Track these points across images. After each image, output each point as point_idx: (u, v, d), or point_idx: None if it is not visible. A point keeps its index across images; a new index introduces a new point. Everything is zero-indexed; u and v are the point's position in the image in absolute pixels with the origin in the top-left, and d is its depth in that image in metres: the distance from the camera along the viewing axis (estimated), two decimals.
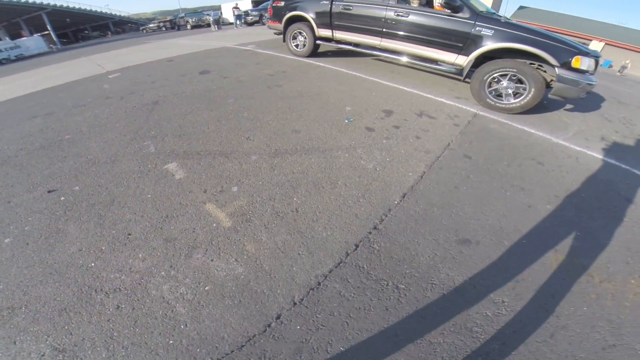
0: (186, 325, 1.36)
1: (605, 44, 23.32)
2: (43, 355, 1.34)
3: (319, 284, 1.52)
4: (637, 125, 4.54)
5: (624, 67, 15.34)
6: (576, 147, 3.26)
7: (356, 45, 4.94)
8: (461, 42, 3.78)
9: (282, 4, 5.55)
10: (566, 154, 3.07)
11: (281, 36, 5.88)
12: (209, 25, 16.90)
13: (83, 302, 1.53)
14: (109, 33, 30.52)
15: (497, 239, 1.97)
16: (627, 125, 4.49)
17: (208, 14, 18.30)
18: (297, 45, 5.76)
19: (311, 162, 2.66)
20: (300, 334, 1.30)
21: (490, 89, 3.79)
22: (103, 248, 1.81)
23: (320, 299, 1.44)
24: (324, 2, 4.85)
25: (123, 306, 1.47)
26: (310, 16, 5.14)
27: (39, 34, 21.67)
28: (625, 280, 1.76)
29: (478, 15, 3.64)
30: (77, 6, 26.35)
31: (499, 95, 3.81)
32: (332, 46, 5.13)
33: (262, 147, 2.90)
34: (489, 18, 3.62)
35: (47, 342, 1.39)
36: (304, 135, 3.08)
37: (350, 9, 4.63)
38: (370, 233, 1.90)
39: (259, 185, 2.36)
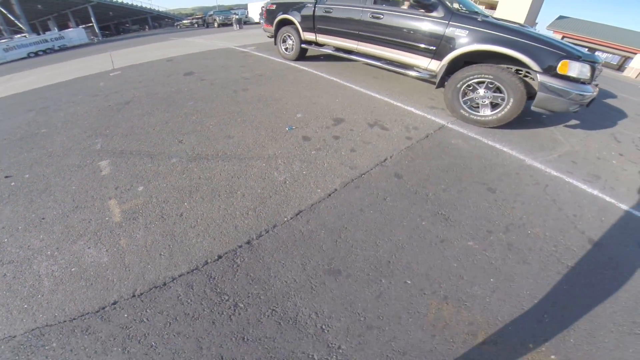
0: (42, 295, 1.60)
1: None
2: None
3: (164, 284, 1.60)
4: None
5: None
6: (554, 171, 2.74)
7: (337, 49, 4.72)
8: (434, 44, 3.39)
9: (275, 7, 5.55)
10: (534, 179, 2.57)
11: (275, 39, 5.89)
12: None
13: None
14: (147, 27, 33.12)
15: (375, 275, 1.71)
16: (639, 148, 3.67)
17: (235, 13, 19.04)
18: (286, 49, 5.75)
19: (223, 169, 2.60)
20: (126, 321, 1.44)
21: (465, 99, 3.34)
22: (19, 228, 2.08)
23: (158, 297, 1.54)
24: (309, 5, 4.76)
25: (7, 274, 1.74)
26: (296, 19, 5.10)
27: (83, 26, 23.88)
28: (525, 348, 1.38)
29: (453, 14, 3.24)
30: (119, 0, 28.90)
31: (475, 106, 3.33)
32: (320, 50, 4.98)
33: (186, 151, 2.90)
34: (465, 17, 3.20)
35: None
36: (234, 142, 3.02)
37: (331, 12, 4.46)
38: (240, 247, 1.83)
39: (162, 187, 2.40)
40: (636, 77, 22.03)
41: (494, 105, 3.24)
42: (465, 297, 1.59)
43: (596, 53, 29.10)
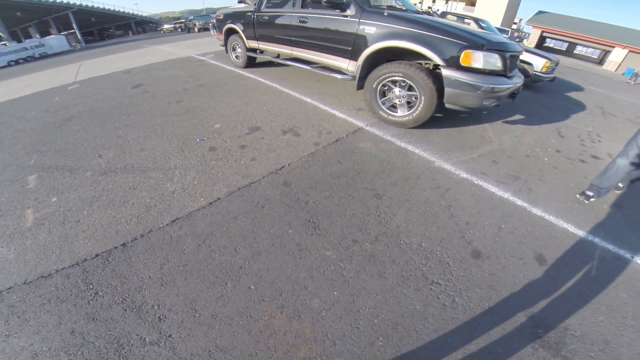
0: None
1: (630, 51, 22.16)
2: None
3: (49, 275, 1.85)
4: (601, 144, 3.54)
5: (637, 75, 15.23)
6: (464, 173, 2.68)
7: (278, 56, 4.72)
8: (349, 44, 3.37)
9: (222, 17, 5.62)
10: (435, 183, 2.51)
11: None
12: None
13: None
14: (130, 32, 33.33)
15: (223, 278, 1.77)
16: (584, 144, 3.54)
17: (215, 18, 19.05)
18: (237, 57, 5.83)
19: (125, 181, 2.70)
20: (14, 301, 1.70)
21: (383, 99, 3.27)
22: None
23: (42, 284, 1.79)
24: (249, 14, 4.80)
25: None
26: (239, 28, 5.13)
27: (65, 33, 23.97)
28: None
29: (363, 11, 3.18)
30: (100, 6, 29.36)
31: (394, 106, 3.25)
32: (270, 57, 5.03)
33: (101, 165, 3.01)
34: (373, 12, 3.15)
35: None
36: (145, 155, 3.12)
37: (266, 19, 4.47)
38: (115, 248, 2.01)
39: (71, 198, 2.56)
40: (615, 70, 21.97)
41: (411, 105, 3.15)
42: (302, 309, 1.59)
43: (577, 47, 28.75)
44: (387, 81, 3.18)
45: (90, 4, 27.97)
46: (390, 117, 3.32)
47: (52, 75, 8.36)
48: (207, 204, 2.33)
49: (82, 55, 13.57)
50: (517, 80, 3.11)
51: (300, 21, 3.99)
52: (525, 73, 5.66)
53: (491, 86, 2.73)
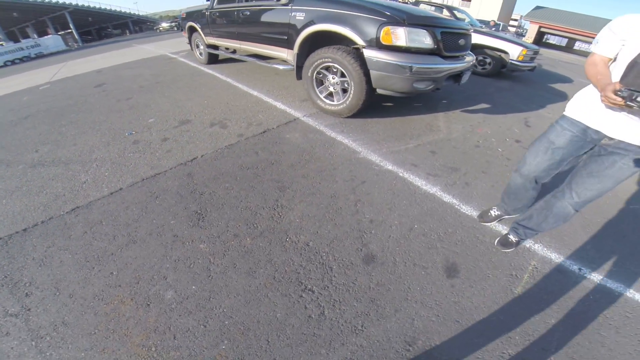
0: None
1: None
2: None
3: None
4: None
5: None
6: (389, 165, 2.57)
7: (234, 51, 4.68)
8: (284, 33, 3.26)
9: (185, 15, 5.66)
10: (352, 175, 2.40)
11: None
12: None
13: None
14: (127, 32, 33.89)
15: (92, 263, 1.76)
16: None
17: None
18: (200, 54, 5.88)
19: (47, 173, 2.76)
20: None
21: (321, 87, 3.12)
22: None
23: None
24: (204, 11, 4.80)
25: None
26: (198, 26, 5.13)
27: (62, 32, 24.38)
28: None
29: None
30: (97, 6, 29.90)
31: (330, 94, 3.11)
32: (226, 55, 5.12)
33: (34, 159, 3.09)
34: None
35: None
36: (75, 149, 3.18)
37: (217, 14, 4.45)
38: (17, 232, 2.07)
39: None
40: None
41: (344, 92, 2.99)
42: (153, 299, 1.57)
43: (576, 43, 27.84)
44: (321, 68, 3.06)
45: (86, 4, 28.79)
46: (327, 107, 3.19)
47: (32, 76, 8.63)
48: (108, 194, 2.36)
49: (73, 55, 13.99)
50: (461, 62, 2.91)
51: (243, 14, 3.94)
52: (501, 62, 5.41)
53: (420, 66, 2.56)
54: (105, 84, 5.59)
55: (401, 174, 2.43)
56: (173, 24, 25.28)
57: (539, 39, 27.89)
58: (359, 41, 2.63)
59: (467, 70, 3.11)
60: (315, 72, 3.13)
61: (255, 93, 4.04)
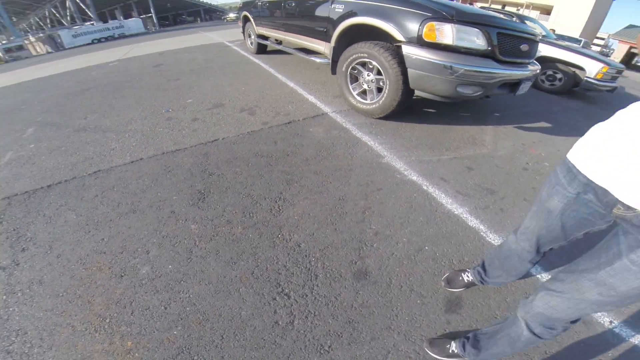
0: None
1: None
2: None
3: None
4: None
5: None
6: (414, 175, 2.39)
7: (280, 42, 4.78)
8: (323, 25, 3.18)
9: (242, 5, 5.95)
10: (369, 179, 2.28)
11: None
12: None
13: None
14: (199, 19, 36.59)
15: (89, 228, 1.86)
16: None
17: None
18: (251, 43, 6.07)
19: (87, 138, 3.03)
20: None
21: (355, 84, 2.99)
22: None
23: None
24: (257, 1, 4.95)
25: None
26: (250, 15, 5.32)
27: (143, 16, 26.99)
28: None
29: None
30: None
31: (364, 92, 2.97)
32: (274, 46, 5.21)
33: (81, 124, 3.44)
34: None
35: None
36: (117, 119, 3.45)
37: (267, 5, 4.58)
38: (41, 188, 2.28)
39: (43, 147, 2.98)
40: None
41: (379, 91, 2.82)
42: (129, 271, 1.56)
43: None
44: (357, 64, 2.90)
45: None
46: (359, 105, 3.02)
47: (108, 54, 9.76)
48: (129, 162, 2.49)
49: (148, 37, 15.65)
50: (520, 70, 2.54)
51: (288, 5, 3.96)
52: (574, 79, 4.70)
53: (467, 68, 2.26)
54: (162, 65, 6.05)
55: (425, 187, 2.16)
56: (238, 15, 26.97)
57: (628, 61, 24.27)
58: (398, 36, 2.41)
59: (527, 80, 2.70)
60: (350, 67, 2.98)
61: (291, 84, 4.02)
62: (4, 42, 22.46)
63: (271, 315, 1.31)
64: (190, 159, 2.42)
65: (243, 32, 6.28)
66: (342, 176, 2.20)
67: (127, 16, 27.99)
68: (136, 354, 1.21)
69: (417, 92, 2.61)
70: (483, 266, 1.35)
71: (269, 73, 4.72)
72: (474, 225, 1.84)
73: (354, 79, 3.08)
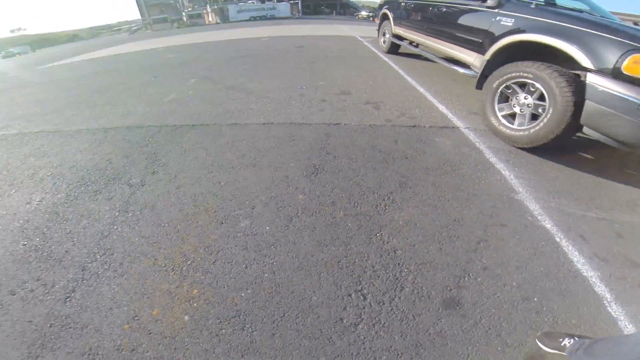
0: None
1: None
2: None
3: (142, 127, 2.95)
4: None
5: None
6: (549, 223, 2.01)
7: (417, 45, 4.70)
8: (480, 36, 2.95)
9: (382, 2, 6.19)
10: (494, 211, 2.04)
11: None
12: None
13: None
14: (334, 12, 38.21)
15: (208, 175, 2.19)
16: None
17: None
18: (383, 42, 6.18)
19: (233, 94, 3.65)
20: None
21: (502, 104, 2.72)
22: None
23: (135, 131, 2.87)
24: (401, 1, 5.08)
25: None
26: (390, 14, 5.51)
27: (292, 2, 29.37)
28: None
29: (507, 2, 2.73)
30: None
31: (512, 115, 2.66)
32: (408, 49, 5.12)
33: (231, 83, 4.13)
34: (517, 4, 2.75)
35: None
36: (260, 85, 4.01)
37: (412, 5, 4.58)
38: (187, 125, 2.85)
39: (198, 95, 3.72)
40: None
41: (532, 117, 2.44)
42: (230, 221, 1.75)
43: None
44: (513, 83, 2.53)
45: None
46: (501, 127, 2.64)
47: (261, 30, 11.31)
48: (261, 123, 2.82)
49: (292, 22, 17.54)
50: None
51: (438, 9, 3.77)
52: None
53: None
54: (303, 47, 6.63)
55: (557, 240, 1.74)
56: (370, 14, 27.39)
57: None
58: (585, 63, 1.96)
59: None
60: (504, 85, 2.61)
61: (421, 90, 3.81)
62: (189, 9, 28.36)
63: (339, 310, 1.25)
64: (312, 134, 2.55)
65: (378, 30, 6.34)
66: (463, 198, 1.96)
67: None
68: (195, 304, 1.28)
69: (585, 130, 2.11)
70: (591, 345, 1.06)
71: (397, 73, 4.62)
72: (600, 292, 1.40)
73: (504, 98, 2.70)
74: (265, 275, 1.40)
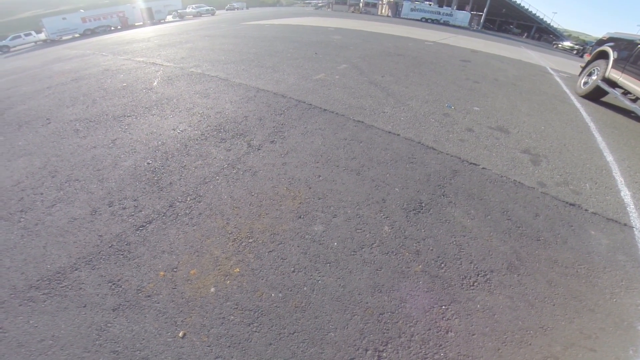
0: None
1: None
2: None
3: (252, 97, 3.23)
4: None
5: None
6: None
7: (636, 100, 3.49)
8: None
9: (606, 39, 4.67)
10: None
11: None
12: None
13: None
14: (526, 35, 31.86)
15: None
16: None
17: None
18: (584, 83, 4.80)
19: (374, 92, 3.60)
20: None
21: None
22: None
23: (246, 103, 3.34)
24: (638, 41, 3.70)
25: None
26: (612, 54, 4.16)
27: (474, 12, 26.22)
28: None
29: None
30: (519, 1, 29.33)
31: None
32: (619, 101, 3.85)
33: (377, 79, 4.11)
34: None
35: None
36: (404, 90, 3.80)
37: None
38: (317, 107, 2.93)
39: (340, 80, 3.89)
40: None
41: None
42: (308, 218, 1.69)
43: None
44: None
45: None
46: None
47: (427, 33, 10.88)
48: (387, 131, 2.65)
49: (467, 33, 16.05)
50: None
51: None
52: None
53: None
54: (470, 62, 5.86)
55: None
56: (576, 46, 21.66)
57: None
58: None
59: None
60: None
61: (609, 158, 2.73)
62: None
63: (352, 351, 1.15)
64: (437, 164, 2.19)
65: (583, 67, 4.87)
66: (572, 309, 1.32)
67: (460, 7, 28.75)
68: (228, 282, 1.32)
69: None
70: None
71: (585, 126, 3.48)
72: None
73: None
74: (305, 288, 1.34)
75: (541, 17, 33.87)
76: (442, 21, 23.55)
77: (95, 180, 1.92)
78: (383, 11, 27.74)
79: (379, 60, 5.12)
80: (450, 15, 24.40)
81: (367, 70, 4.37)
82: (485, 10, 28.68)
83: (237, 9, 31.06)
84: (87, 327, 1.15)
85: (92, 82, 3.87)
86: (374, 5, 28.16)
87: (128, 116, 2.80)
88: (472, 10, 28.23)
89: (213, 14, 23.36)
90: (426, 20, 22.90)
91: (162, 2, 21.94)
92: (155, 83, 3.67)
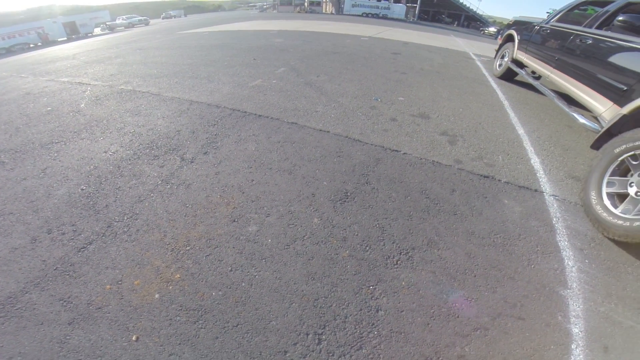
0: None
1: None
2: None
3: (218, 106, 3.22)
4: None
5: None
6: (581, 331, 1.56)
7: (538, 77, 4.03)
8: (629, 81, 2.32)
9: (512, 22, 5.45)
10: (526, 297, 1.66)
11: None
12: None
13: None
14: (456, 23, 34.97)
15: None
16: None
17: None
18: (499, 65, 5.42)
19: (304, 92, 3.75)
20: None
21: (614, 177, 2.17)
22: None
23: (211, 110, 3.32)
24: (535, 25, 4.35)
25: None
26: (516, 36, 4.78)
27: (409, 4, 28.08)
28: None
29: None
30: None
31: (620, 196, 2.12)
32: (525, 79, 4.44)
33: (310, 79, 4.29)
34: None
35: None
36: (337, 87, 4.01)
37: (547, 32, 3.90)
38: (251, 114, 2.99)
39: (279, 85, 3.98)
40: None
41: None
42: (242, 221, 1.80)
43: None
44: None
45: None
46: (597, 207, 2.04)
47: (364, 29, 11.18)
48: (318, 129, 2.82)
49: (403, 25, 16.94)
50: None
51: (582, 40, 3.00)
52: None
53: None
54: (399, 55, 6.30)
55: (575, 348, 1.26)
56: (500, 30, 24.37)
57: None
58: None
59: None
60: (630, 154, 1.98)
61: (520, 131, 3.19)
62: None
63: (289, 344, 1.23)
64: (362, 155, 2.41)
65: (497, 50, 5.53)
66: (492, 278, 1.58)
67: (397, 0, 30.49)
68: (170, 287, 1.40)
69: None
70: None
71: (500, 104, 3.98)
72: None
73: (622, 171, 2.05)
74: (243, 284, 1.44)
75: (468, 5, 37.02)
76: (381, 15, 24.76)
77: (30, 211, 1.88)
78: (327, 9, 28.42)
79: (316, 60, 5.33)
80: (388, 8, 25.68)
81: (304, 71, 4.54)
82: (419, 2, 30.55)
83: (174, 17, 29.93)
84: (49, 341, 1.20)
85: (13, 108, 3.58)
86: (319, 4, 28.74)
87: (56, 142, 2.67)
88: (407, 2, 29.90)
89: (147, 24, 22.35)
90: (367, 15, 23.89)
91: (88, 15, 20.49)
92: (83, 104, 3.49)
